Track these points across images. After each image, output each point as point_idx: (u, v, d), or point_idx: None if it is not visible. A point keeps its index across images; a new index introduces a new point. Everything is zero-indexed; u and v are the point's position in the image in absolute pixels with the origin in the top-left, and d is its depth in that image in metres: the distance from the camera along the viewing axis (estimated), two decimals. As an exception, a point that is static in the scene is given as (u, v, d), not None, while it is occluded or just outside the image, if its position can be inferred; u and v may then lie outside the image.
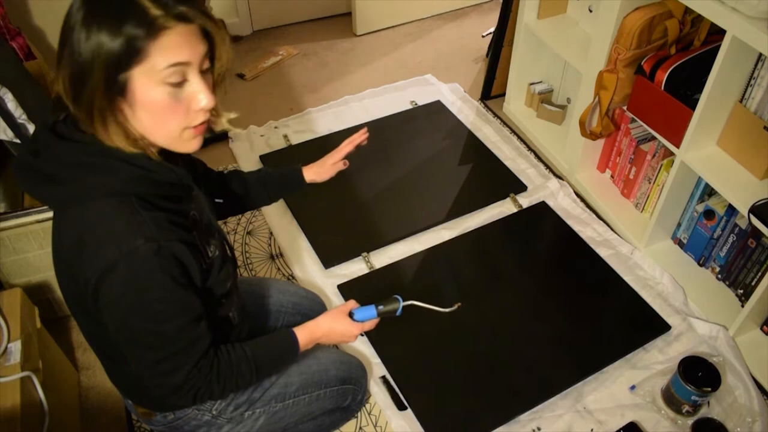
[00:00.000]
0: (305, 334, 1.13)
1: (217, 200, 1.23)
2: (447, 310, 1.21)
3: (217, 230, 1.04)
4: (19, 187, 0.91)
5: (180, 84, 0.83)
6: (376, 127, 2.40)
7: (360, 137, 1.39)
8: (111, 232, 0.84)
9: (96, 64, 0.78)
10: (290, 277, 1.88)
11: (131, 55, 0.78)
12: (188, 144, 0.90)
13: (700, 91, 1.55)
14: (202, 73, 0.86)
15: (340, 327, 1.16)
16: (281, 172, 1.38)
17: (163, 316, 0.89)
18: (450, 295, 1.79)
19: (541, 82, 2.45)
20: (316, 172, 1.38)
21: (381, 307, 1.18)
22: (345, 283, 1.81)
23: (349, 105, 2.54)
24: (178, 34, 0.80)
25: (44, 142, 0.87)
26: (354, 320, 1.18)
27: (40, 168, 0.86)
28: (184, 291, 0.90)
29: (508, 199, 2.11)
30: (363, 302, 1.22)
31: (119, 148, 0.86)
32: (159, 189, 0.89)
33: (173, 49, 0.80)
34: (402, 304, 1.18)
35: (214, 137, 2.36)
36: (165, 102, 0.83)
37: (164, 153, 0.93)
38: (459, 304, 1.23)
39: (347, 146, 1.38)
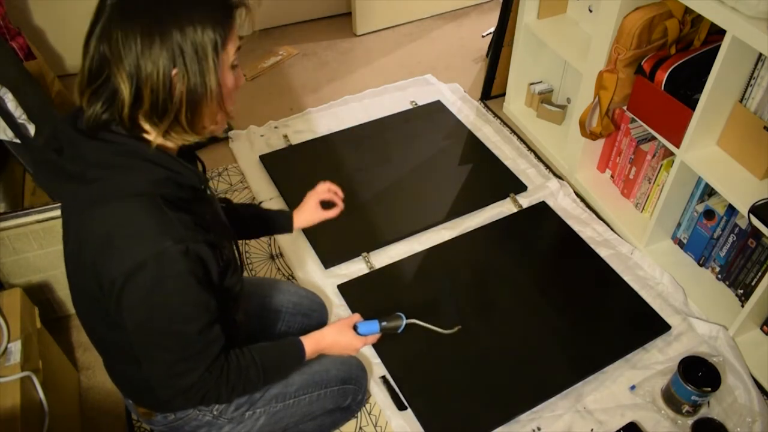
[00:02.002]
0: (311, 343, 1.15)
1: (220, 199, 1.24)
2: (447, 332, 1.26)
3: (231, 232, 1.05)
4: (37, 184, 0.92)
5: (236, 66, 0.89)
6: (376, 127, 2.40)
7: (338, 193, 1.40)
8: (140, 233, 0.84)
9: (198, 54, 0.82)
10: (290, 277, 1.88)
11: (224, 33, 0.84)
12: (225, 123, 0.95)
13: (700, 91, 1.55)
14: None
15: (344, 340, 1.18)
16: (273, 214, 1.39)
17: (185, 317, 0.90)
18: (449, 296, 1.79)
19: (541, 82, 2.45)
20: (305, 219, 1.39)
21: (384, 323, 1.22)
22: (345, 283, 1.81)
23: (349, 105, 2.54)
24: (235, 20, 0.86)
25: (69, 140, 0.86)
26: (357, 333, 1.20)
27: (63, 166, 0.86)
28: (205, 293, 0.91)
29: (508, 199, 2.11)
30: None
31: (160, 146, 0.87)
32: (182, 191, 0.90)
33: (235, 34, 0.86)
34: (405, 322, 1.22)
35: (214, 137, 2.35)
36: (233, 85, 0.89)
37: (179, 155, 0.94)
38: (459, 327, 1.28)
39: (327, 193, 1.39)
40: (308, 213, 1.38)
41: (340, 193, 1.40)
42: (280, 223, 1.38)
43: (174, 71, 0.81)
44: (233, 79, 0.89)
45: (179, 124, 0.86)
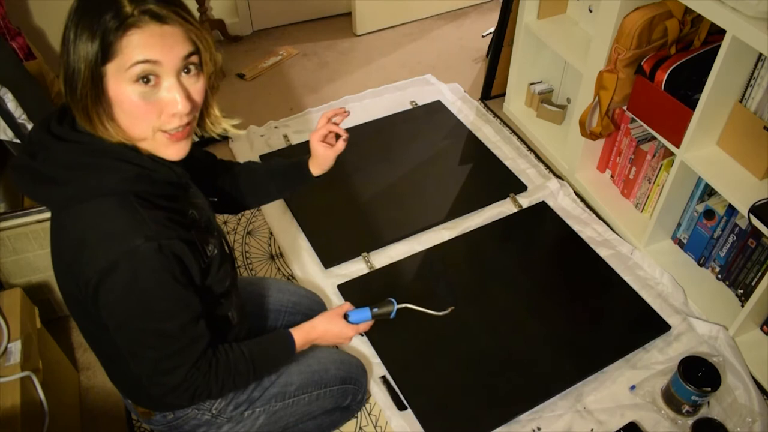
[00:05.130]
0: (302, 334, 1.15)
1: (211, 199, 1.22)
2: (440, 313, 1.24)
3: (216, 229, 1.04)
4: (19, 189, 0.91)
5: (153, 85, 0.82)
6: (376, 127, 2.40)
7: (338, 113, 1.22)
8: (111, 232, 0.84)
9: (81, 61, 0.79)
10: (290, 277, 1.88)
11: (104, 49, 0.78)
12: (165, 149, 0.88)
13: (700, 91, 1.55)
14: (185, 77, 0.85)
15: (335, 328, 1.18)
16: (291, 163, 1.27)
17: (163, 315, 0.89)
18: (449, 296, 1.79)
19: (541, 82, 2.45)
20: (318, 165, 1.24)
21: (375, 310, 1.21)
22: (345, 283, 1.81)
23: (349, 105, 2.54)
24: (150, 33, 0.79)
25: (41, 144, 0.87)
26: (349, 322, 1.19)
27: (38, 169, 0.86)
28: (184, 289, 0.90)
29: (508, 199, 2.11)
30: (363, 303, 1.23)
31: (122, 143, 0.86)
32: (157, 187, 0.89)
33: (142, 47, 0.79)
34: (396, 306, 1.20)
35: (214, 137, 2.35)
36: (135, 102, 0.82)
37: None
38: (452, 307, 1.25)
39: (328, 126, 1.21)
40: (321, 158, 1.22)
41: (339, 116, 1.22)
42: (299, 176, 1.26)
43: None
44: (136, 97, 0.81)
45: (100, 121, 0.83)
